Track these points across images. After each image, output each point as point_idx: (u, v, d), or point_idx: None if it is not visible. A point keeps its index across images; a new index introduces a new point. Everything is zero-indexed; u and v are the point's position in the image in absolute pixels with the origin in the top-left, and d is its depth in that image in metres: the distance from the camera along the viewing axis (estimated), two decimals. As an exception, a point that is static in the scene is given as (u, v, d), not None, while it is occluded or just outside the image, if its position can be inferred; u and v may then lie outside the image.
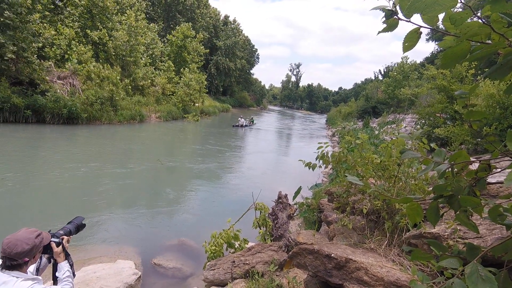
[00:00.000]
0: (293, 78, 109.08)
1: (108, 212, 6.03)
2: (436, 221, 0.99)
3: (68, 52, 17.87)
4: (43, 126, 14.17)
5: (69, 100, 15.18)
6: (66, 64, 17.28)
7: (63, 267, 1.95)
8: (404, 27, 1.08)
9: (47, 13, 16.51)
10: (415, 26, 1.01)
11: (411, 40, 1.03)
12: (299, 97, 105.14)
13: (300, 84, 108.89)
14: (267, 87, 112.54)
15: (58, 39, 17.53)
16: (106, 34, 20.37)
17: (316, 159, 3.64)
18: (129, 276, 3.60)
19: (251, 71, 67.14)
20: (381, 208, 2.75)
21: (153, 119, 21.90)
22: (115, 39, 20.63)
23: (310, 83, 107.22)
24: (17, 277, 1.62)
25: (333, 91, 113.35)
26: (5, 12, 12.48)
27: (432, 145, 1.97)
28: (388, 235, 2.50)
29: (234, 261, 3.16)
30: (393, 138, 3.18)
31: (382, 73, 51.74)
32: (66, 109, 14.78)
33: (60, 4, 19.15)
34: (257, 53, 68.47)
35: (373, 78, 58.62)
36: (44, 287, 1.69)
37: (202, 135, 17.05)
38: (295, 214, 4.74)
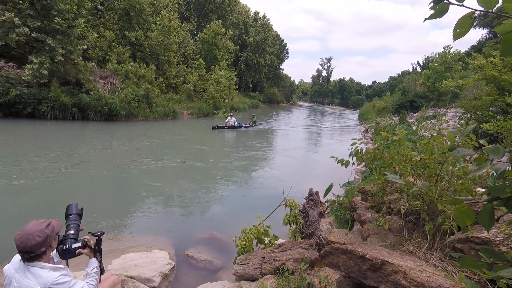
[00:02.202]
0: (324, 73, 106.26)
1: (145, 205, 6.35)
2: (490, 225, 0.90)
3: (109, 53, 19.01)
4: (87, 122, 15.27)
5: (110, 98, 16.19)
6: (107, 64, 18.43)
7: (92, 263, 2.09)
8: (450, 13, 0.98)
9: (90, 17, 17.69)
10: (469, 11, 0.91)
11: (463, 26, 0.93)
12: (330, 92, 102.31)
13: (331, 79, 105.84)
14: (297, 82, 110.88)
15: (100, 41, 18.71)
16: (142, 35, 21.32)
17: (349, 156, 3.51)
18: (164, 266, 3.76)
19: (281, 67, 66.48)
20: (421, 208, 2.58)
21: (185, 115, 22.62)
22: (151, 39, 21.53)
23: (342, 78, 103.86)
24: (42, 268, 1.69)
25: (366, 85, 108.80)
26: (55, 18, 13.57)
27: (482, 141, 1.79)
28: (428, 238, 2.34)
29: (264, 257, 3.17)
30: (434, 134, 2.96)
31: (421, 64, 48.55)
32: (107, 107, 15.80)
33: (101, 8, 20.39)
34: (286, 48, 67.60)
35: (411, 70, 55.26)
36: (71, 278, 1.79)
37: (231, 131, 17.32)
38: (326, 212, 4.64)
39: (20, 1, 13.00)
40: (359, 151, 3.40)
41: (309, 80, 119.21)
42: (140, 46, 21.72)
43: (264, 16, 49.46)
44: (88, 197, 6.42)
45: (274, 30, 55.22)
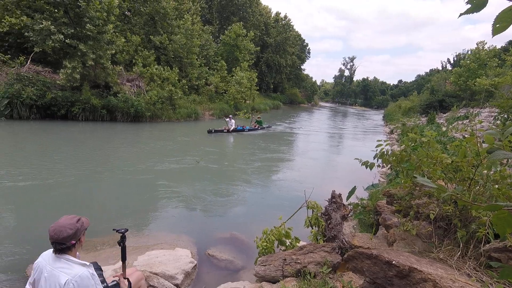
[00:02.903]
0: (347, 73, 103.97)
1: (168, 204, 6.52)
2: (535, 235, 0.83)
3: (135, 57, 19.77)
4: (115, 123, 15.96)
5: (136, 100, 16.82)
6: (133, 68, 19.17)
7: None
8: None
9: (118, 23, 18.48)
10: (510, 3, 0.85)
11: (504, 20, 0.87)
12: (353, 93, 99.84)
13: (354, 79, 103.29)
14: (318, 83, 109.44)
15: (127, 46, 19.50)
16: (167, 39, 21.97)
17: (374, 158, 3.39)
18: (186, 264, 3.84)
19: (302, 67, 65.85)
20: (452, 214, 2.44)
21: (207, 116, 23.00)
22: (174, 43, 22.13)
23: (365, 77, 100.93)
24: (70, 261, 1.83)
25: (391, 84, 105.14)
26: (87, 25, 14.32)
27: (522, 143, 1.66)
28: (461, 246, 2.20)
29: (285, 259, 3.14)
30: (466, 136, 2.79)
31: (452, 62, 46.18)
32: (133, 109, 16.43)
33: (128, 14, 21.25)
34: (308, 48, 66.87)
35: (440, 68, 52.71)
36: (93, 272, 1.89)
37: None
38: (349, 215, 4.52)
39: (56, 10, 13.84)
40: (385, 153, 3.28)
41: (331, 80, 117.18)
42: (164, 49, 22.39)
43: (286, 17, 49.26)
44: (114, 195, 6.69)
45: (296, 30, 54.81)
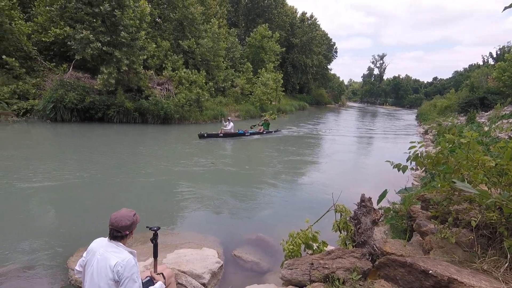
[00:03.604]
0: (376, 71, 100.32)
1: (195, 204, 6.66)
2: None
3: (165, 61, 20.56)
4: (146, 125, 16.67)
5: (165, 103, 17.46)
6: (163, 72, 19.94)
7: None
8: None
9: (149, 30, 19.33)
10: None
11: None
12: (383, 92, 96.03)
13: (384, 77, 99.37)
14: (346, 82, 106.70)
15: (158, 51, 20.33)
16: (194, 43, 22.60)
17: (407, 161, 3.22)
18: (213, 264, 3.89)
19: (329, 67, 64.51)
20: (497, 222, 2.24)
21: (233, 118, 23.28)
22: (201, 46, 22.71)
23: (396, 75, 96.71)
24: (122, 247, 2.04)
25: (425, 82, 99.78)
26: (122, 33, 15.14)
27: None
28: (509, 257, 2.01)
29: (312, 263, 3.07)
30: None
31: (494, 56, 42.82)
32: (163, 111, 17.07)
33: (159, 21, 22.15)
34: (335, 47, 65.41)
35: (481, 63, 49.08)
36: (136, 261, 2.06)
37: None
38: (380, 220, 4.33)
39: (94, 20, 14.79)
40: (419, 155, 3.10)
41: (360, 80, 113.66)
42: (192, 53, 23.04)
43: (312, 16, 48.62)
44: (145, 195, 6.97)
45: (322, 29, 53.90)
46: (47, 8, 15.54)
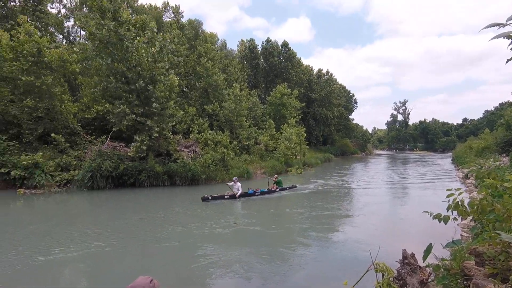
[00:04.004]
0: (400, 117, 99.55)
1: (223, 268, 6.35)
2: None
3: (192, 125, 21.99)
4: (174, 187, 17.10)
5: (192, 165, 18.10)
6: (190, 135, 21.17)
7: None
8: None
9: (178, 98, 21.25)
10: None
11: None
12: (411, 137, 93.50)
13: (410, 122, 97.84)
14: (370, 130, 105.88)
15: (185, 116, 21.95)
16: (218, 106, 24.28)
17: (448, 210, 2.97)
18: None
19: (351, 117, 65.25)
20: None
21: (259, 175, 23.34)
22: (225, 109, 24.28)
23: (422, 120, 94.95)
24: None
25: (455, 124, 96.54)
26: (153, 104, 16.75)
27: None
28: None
29: (356, 336, 2.68)
30: None
31: (524, 93, 41.29)
32: (190, 172, 17.60)
33: (186, 90, 24.44)
34: (354, 98, 67.02)
35: (512, 101, 47.29)
36: None
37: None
38: (429, 280, 3.81)
39: (130, 95, 16.64)
40: (459, 203, 2.86)
41: (384, 127, 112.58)
42: (216, 115, 24.60)
43: (328, 72, 51.28)
44: (170, 260, 6.79)
45: (339, 83, 56.16)
46: (92, 90, 17.85)
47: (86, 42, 18.43)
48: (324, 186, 18.15)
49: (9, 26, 18.03)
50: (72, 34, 26.07)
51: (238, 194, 13.69)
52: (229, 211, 11.56)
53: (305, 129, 33.41)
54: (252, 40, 41.13)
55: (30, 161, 14.58)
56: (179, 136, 20.63)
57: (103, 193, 14.94)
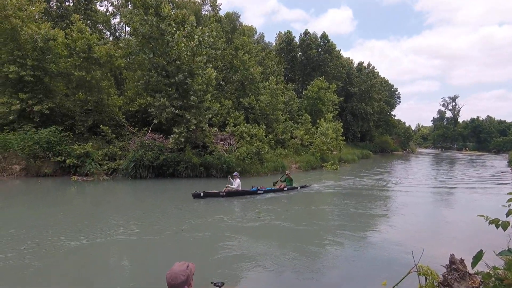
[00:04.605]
0: (448, 114, 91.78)
1: (255, 260, 6.39)
2: None
3: (227, 118, 22.36)
4: (210, 179, 17.60)
5: (228, 157, 18.46)
6: (226, 128, 21.57)
7: None
8: None
9: (214, 91, 21.70)
10: None
11: None
12: (460, 135, 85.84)
13: (460, 120, 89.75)
14: (413, 127, 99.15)
15: (221, 109, 22.38)
16: (254, 99, 24.35)
17: (508, 215, 2.64)
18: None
19: (392, 113, 61.62)
20: None
21: (293, 169, 23.12)
22: (261, 102, 24.28)
23: (475, 117, 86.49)
24: None
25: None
26: (191, 97, 17.32)
27: None
28: None
29: None
30: None
31: None
32: (225, 165, 17.98)
33: (223, 83, 24.87)
34: (397, 92, 63.09)
35: None
36: None
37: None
38: (480, 289, 3.45)
39: (170, 89, 17.37)
40: (523, 206, 2.51)
41: (429, 124, 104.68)
42: (252, 109, 24.72)
43: (369, 65, 48.80)
44: (203, 249, 7.00)
45: (381, 76, 53.18)
46: (135, 83, 18.95)
47: (131, 38, 19.54)
48: (359, 184, 17.39)
49: (64, 25, 19.75)
50: (118, 31, 27.83)
51: (235, 189, 12.35)
52: (253, 206, 11.41)
53: (342, 124, 32.24)
54: (288, 32, 40.40)
55: (82, 151, 15.95)
56: (215, 128, 21.12)
57: (144, 182, 15.88)
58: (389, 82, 59.05)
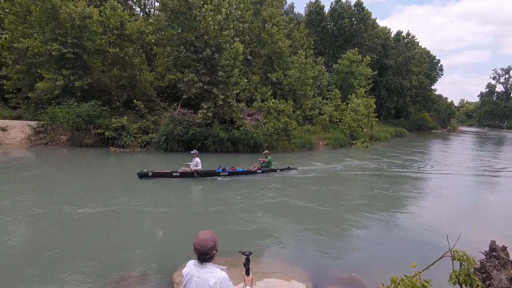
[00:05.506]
0: (499, 88, 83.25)
1: (279, 234, 6.51)
2: None
3: (255, 94, 22.12)
4: (237, 154, 17.88)
5: (254, 133, 18.51)
6: (253, 103, 21.42)
7: None
8: None
9: (242, 67, 21.39)
10: None
11: None
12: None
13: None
14: (456, 103, 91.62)
15: (248, 85, 22.13)
16: (282, 74, 23.70)
17: None
18: (300, 301, 3.60)
19: (432, 87, 57.15)
20: None
21: (321, 146, 22.69)
22: (289, 77, 23.58)
23: (530, 91, 77.70)
24: (214, 267, 2.20)
25: None
26: (219, 72, 17.25)
27: None
28: None
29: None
30: None
31: None
32: (252, 140, 18.09)
33: (250, 58, 24.37)
34: (439, 65, 57.99)
35: None
36: (228, 276, 2.17)
37: (372, 162, 15.17)
38: (523, 277, 3.21)
39: (198, 64, 17.39)
40: None
41: (476, 99, 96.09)
42: (279, 84, 24.15)
43: (408, 34, 44.91)
44: (230, 220, 7.22)
45: (422, 47, 48.93)
46: (165, 59, 19.20)
47: (160, 13, 19.54)
48: (389, 164, 16.67)
49: (98, 2, 20.15)
50: (148, 7, 27.91)
51: (194, 170, 10.92)
52: (258, 185, 11.37)
53: (375, 100, 30.55)
54: (317, 0, 37.94)
55: (118, 124, 16.86)
56: (243, 104, 21.07)
57: (175, 154, 16.53)
58: (430, 53, 54.27)
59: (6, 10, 18.60)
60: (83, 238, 5.86)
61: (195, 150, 11.39)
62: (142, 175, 10.14)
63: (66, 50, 16.64)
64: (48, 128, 16.86)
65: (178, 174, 10.66)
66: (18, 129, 16.80)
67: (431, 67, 54.23)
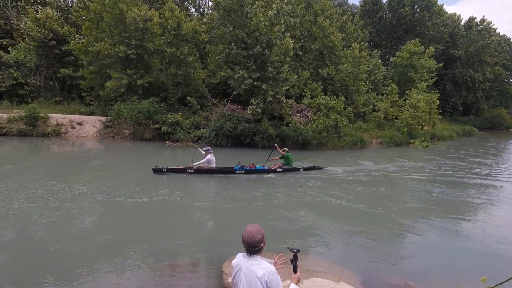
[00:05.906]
0: None
1: (331, 233, 6.28)
2: None
3: (304, 90, 21.67)
4: (285, 150, 17.74)
5: (304, 129, 18.18)
6: (303, 99, 21.02)
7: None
8: None
9: (292, 62, 21.11)
10: None
11: None
12: None
13: None
14: (543, 98, 78.07)
15: (298, 80, 21.77)
16: (333, 69, 22.79)
17: None
18: (350, 305, 3.42)
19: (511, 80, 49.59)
20: None
21: (374, 144, 21.35)
22: (341, 72, 22.58)
23: None
24: (262, 259, 2.25)
25: None
26: (269, 68, 17.30)
27: None
28: None
29: None
30: None
31: None
32: (301, 137, 17.81)
33: (300, 53, 23.92)
34: (522, 53, 49.88)
35: None
36: (273, 268, 2.20)
37: (431, 164, 13.54)
38: None
39: (248, 61, 17.66)
40: None
41: None
42: (330, 79, 23.27)
43: (483, 20, 39.53)
44: (278, 218, 7.19)
45: (500, 34, 42.70)
46: (217, 57, 19.91)
47: (213, 12, 20.29)
48: (451, 166, 14.74)
49: (158, 5, 21.71)
50: (202, 7, 29.20)
51: (207, 167, 10.57)
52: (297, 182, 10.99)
53: (438, 95, 27.54)
54: (376, -11, 35.51)
55: (173, 119, 18.05)
56: (292, 100, 20.83)
57: (224, 150, 17.09)
58: (510, 40, 47.01)
59: (83, 17, 21.12)
60: (139, 226, 6.39)
61: (208, 147, 10.96)
62: (157, 170, 10.08)
63: (131, 52, 18.30)
64: (114, 123, 18.83)
65: (192, 170, 10.42)
66: (91, 124, 19.08)
67: (510, 57, 46.98)
